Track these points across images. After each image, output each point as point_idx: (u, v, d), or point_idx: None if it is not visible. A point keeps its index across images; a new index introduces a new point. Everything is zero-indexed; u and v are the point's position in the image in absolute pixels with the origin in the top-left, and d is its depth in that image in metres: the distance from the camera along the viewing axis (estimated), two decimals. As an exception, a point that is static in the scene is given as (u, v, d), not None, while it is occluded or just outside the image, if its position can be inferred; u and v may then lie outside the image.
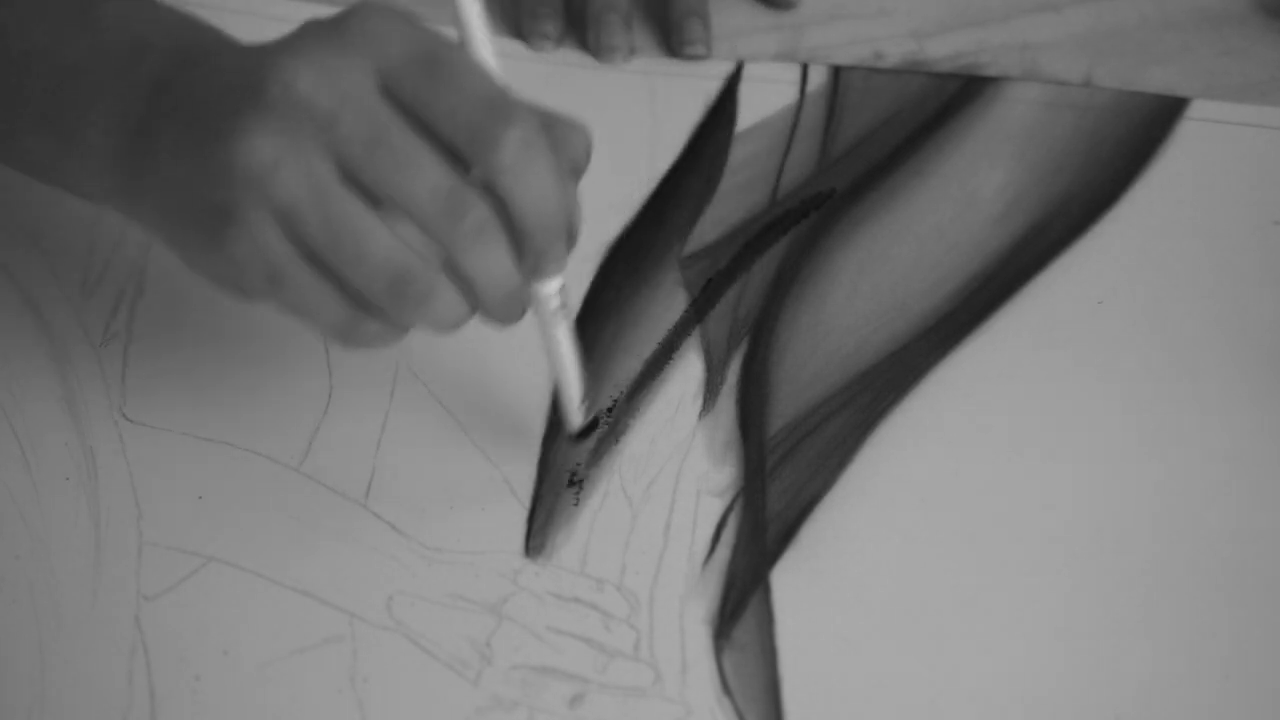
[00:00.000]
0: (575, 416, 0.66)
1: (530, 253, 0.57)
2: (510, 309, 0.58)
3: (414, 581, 0.65)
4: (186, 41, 0.60)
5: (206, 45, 0.60)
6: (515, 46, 0.83)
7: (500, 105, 0.55)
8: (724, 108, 0.81)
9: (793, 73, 0.81)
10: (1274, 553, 0.65)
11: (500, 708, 0.62)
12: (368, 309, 0.57)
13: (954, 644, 0.63)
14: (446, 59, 0.56)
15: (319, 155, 0.55)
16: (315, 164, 0.55)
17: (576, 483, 0.68)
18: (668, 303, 0.73)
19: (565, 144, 0.58)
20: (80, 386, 0.71)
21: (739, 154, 0.79)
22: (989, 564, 0.65)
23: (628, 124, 0.81)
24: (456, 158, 0.56)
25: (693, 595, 0.65)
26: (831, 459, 0.68)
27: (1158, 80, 0.81)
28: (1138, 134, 0.78)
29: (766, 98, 0.80)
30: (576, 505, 0.67)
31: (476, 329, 0.71)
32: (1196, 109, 0.79)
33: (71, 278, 0.74)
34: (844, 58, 0.82)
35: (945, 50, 0.82)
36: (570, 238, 0.58)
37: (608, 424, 0.69)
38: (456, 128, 0.55)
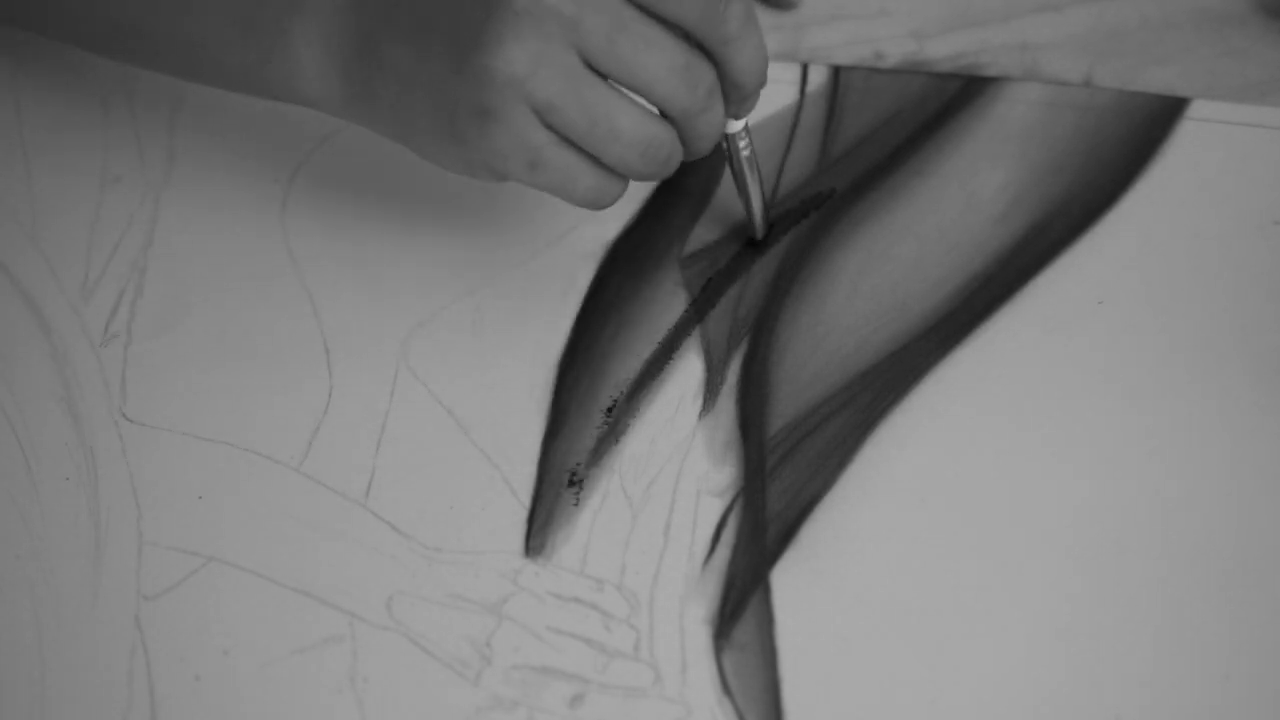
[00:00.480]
0: (762, 225, 0.74)
1: (739, 101, 0.67)
2: (711, 146, 0.67)
3: (414, 581, 0.65)
4: None
5: None
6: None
7: None
8: (724, 108, 0.81)
9: (793, 73, 0.81)
10: (1274, 553, 0.65)
11: (500, 708, 0.62)
12: (613, 174, 0.65)
13: (954, 644, 0.63)
14: None
15: (568, 51, 0.63)
16: (566, 60, 0.62)
17: (576, 483, 0.68)
18: (668, 303, 0.73)
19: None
20: (80, 386, 0.71)
21: (739, 154, 0.79)
22: (989, 564, 0.65)
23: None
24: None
25: (693, 595, 0.65)
26: (831, 459, 0.68)
27: (1158, 80, 0.80)
28: (1138, 134, 0.78)
29: (767, 98, 0.80)
30: (576, 505, 0.67)
31: (471, 327, 0.71)
32: (1196, 109, 0.79)
33: (71, 278, 0.74)
34: (844, 58, 0.82)
35: (945, 50, 0.82)
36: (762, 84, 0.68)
37: (609, 424, 0.69)
38: (687, 10, 0.63)
